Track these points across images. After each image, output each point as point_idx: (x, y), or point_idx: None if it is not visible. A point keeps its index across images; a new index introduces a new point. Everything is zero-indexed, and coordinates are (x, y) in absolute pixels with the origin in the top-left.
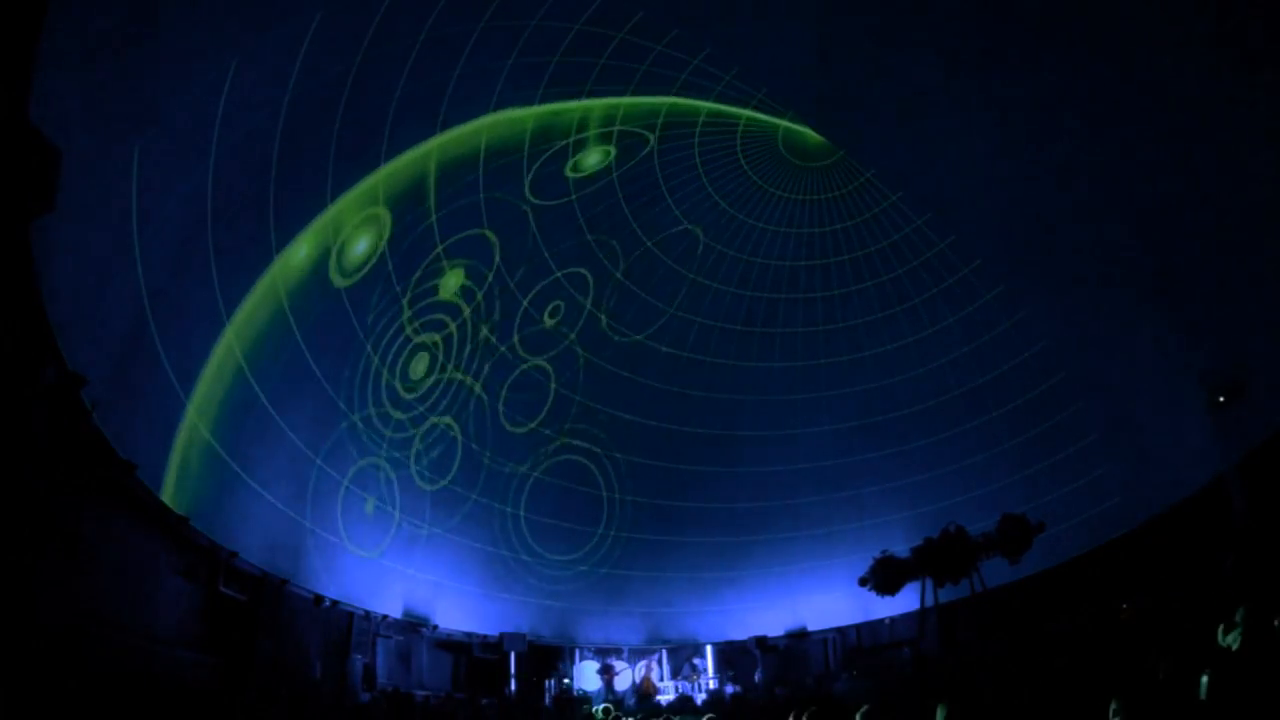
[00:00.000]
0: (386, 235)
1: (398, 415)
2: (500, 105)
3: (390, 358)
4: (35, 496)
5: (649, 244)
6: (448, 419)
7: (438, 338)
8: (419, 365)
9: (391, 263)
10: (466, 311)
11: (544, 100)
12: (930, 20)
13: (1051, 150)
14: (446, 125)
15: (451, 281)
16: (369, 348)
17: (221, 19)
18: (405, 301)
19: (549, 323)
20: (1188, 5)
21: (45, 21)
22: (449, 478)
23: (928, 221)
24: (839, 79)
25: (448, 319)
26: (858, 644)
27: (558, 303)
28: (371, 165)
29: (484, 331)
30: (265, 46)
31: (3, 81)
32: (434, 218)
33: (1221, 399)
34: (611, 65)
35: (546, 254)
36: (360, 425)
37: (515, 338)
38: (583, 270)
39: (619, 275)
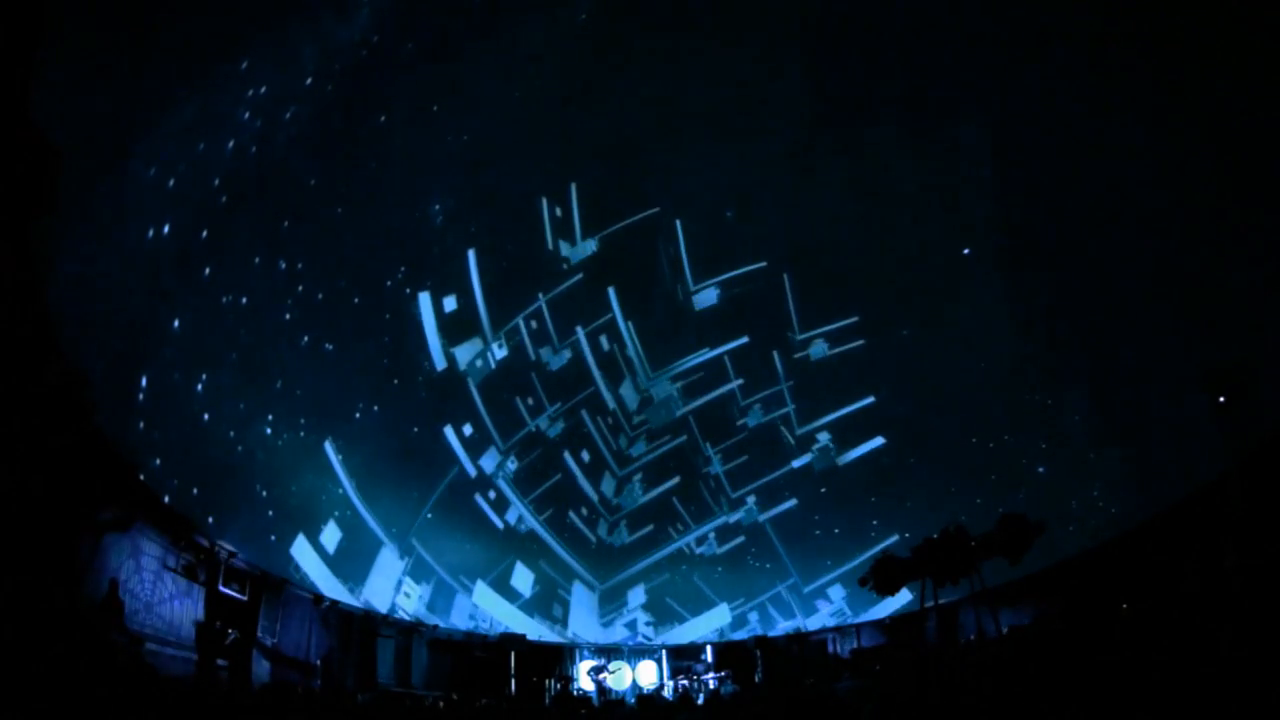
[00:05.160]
0: None
1: None
2: None
3: None
4: (37, 497)
5: None
6: None
7: None
8: None
9: None
10: None
11: None
12: None
13: (1050, 152)
14: None
15: None
16: None
17: (225, 20)
18: None
19: None
20: None
21: (45, 23)
22: None
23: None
24: None
25: None
26: (858, 644)
27: None
28: None
29: None
30: (272, 48)
31: (3, 83)
32: None
33: (1222, 399)
34: None
35: None
36: None
37: None
38: None
39: None
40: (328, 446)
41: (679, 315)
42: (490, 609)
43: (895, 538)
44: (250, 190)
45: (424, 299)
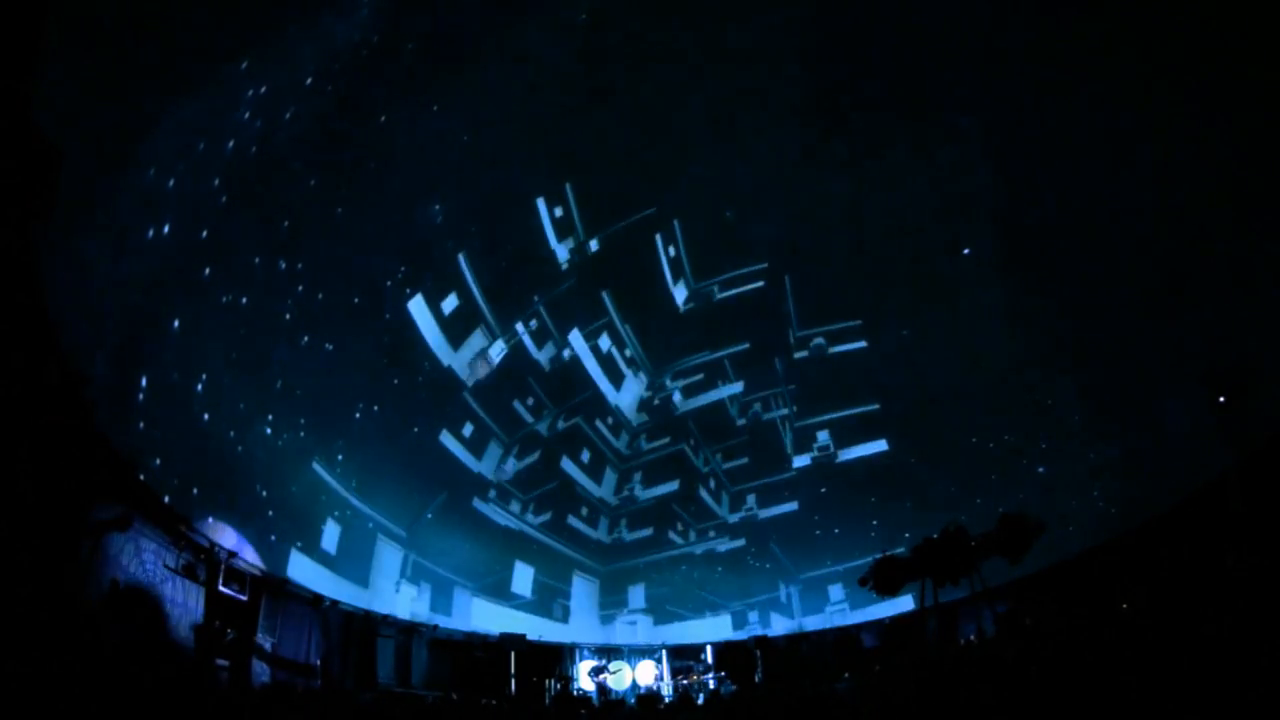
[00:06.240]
0: None
1: None
2: None
3: None
4: (36, 497)
5: None
6: None
7: None
8: None
9: None
10: None
11: None
12: None
13: (1050, 152)
14: None
15: None
16: None
17: (225, 20)
18: None
19: None
20: None
21: (46, 22)
22: None
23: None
24: None
25: None
26: (858, 644)
27: None
28: None
29: None
30: (272, 48)
31: (4, 83)
32: None
33: (1222, 399)
34: None
35: None
36: None
37: None
38: None
39: None
40: (317, 466)
41: (679, 315)
42: (489, 623)
43: (899, 545)
44: (250, 190)
45: (423, 299)
